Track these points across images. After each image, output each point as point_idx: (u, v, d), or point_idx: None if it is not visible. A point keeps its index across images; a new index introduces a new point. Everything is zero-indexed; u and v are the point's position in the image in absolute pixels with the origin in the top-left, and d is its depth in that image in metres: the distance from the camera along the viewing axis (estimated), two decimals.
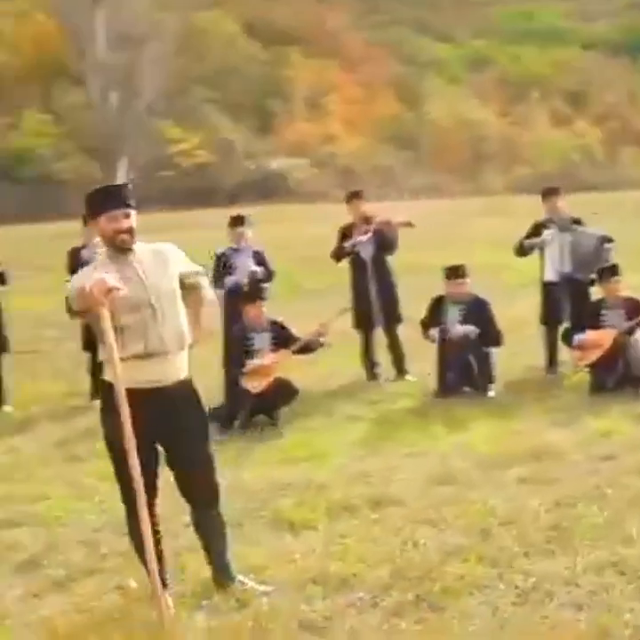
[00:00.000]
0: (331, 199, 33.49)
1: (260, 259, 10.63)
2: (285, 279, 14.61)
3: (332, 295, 13.50)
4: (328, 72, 49.97)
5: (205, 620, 4.64)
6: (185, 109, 43.57)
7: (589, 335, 9.48)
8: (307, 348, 9.34)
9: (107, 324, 4.63)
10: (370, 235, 10.48)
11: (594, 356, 9.37)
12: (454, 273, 9.91)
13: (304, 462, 7.59)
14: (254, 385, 8.94)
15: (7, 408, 10.16)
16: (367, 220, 10.63)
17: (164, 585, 4.77)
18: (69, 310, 5.06)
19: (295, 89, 48.77)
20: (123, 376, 4.66)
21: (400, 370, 10.58)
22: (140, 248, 4.99)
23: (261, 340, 9.26)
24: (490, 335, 9.79)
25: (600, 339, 9.39)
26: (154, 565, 4.61)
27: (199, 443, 5.00)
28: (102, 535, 5.97)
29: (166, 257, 5.03)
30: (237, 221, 10.69)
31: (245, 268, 10.46)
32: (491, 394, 9.53)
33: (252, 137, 47.55)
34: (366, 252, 10.56)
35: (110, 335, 4.64)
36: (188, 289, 5.12)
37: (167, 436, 4.90)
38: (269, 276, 10.63)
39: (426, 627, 4.44)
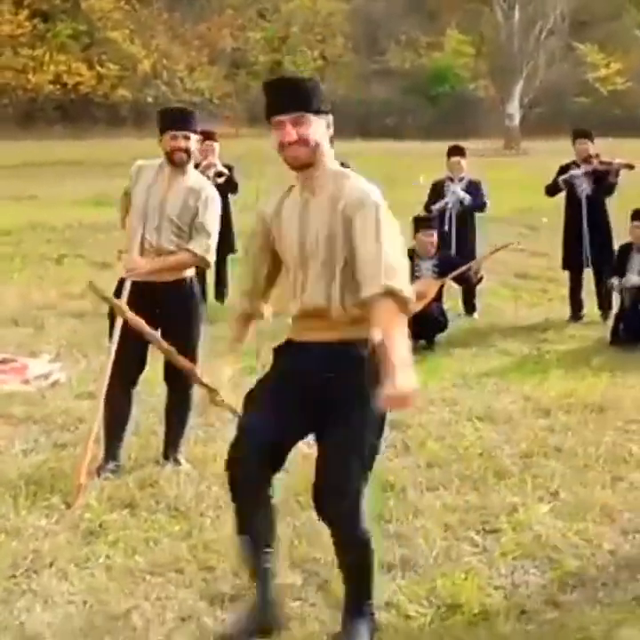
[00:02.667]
0: None
1: (474, 189, 10.86)
2: None
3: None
4: None
5: None
6: (612, 34, 42.36)
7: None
8: (461, 279, 9.57)
9: None
10: (583, 171, 10.43)
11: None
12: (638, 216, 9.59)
13: None
14: None
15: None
16: (587, 159, 10.51)
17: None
18: None
19: None
20: None
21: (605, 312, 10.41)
22: None
23: (426, 267, 9.63)
24: None
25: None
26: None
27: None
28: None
29: None
30: (453, 152, 10.98)
31: (454, 195, 10.75)
32: None
33: None
34: (582, 190, 10.49)
35: None
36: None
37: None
38: (482, 206, 10.87)
39: None
